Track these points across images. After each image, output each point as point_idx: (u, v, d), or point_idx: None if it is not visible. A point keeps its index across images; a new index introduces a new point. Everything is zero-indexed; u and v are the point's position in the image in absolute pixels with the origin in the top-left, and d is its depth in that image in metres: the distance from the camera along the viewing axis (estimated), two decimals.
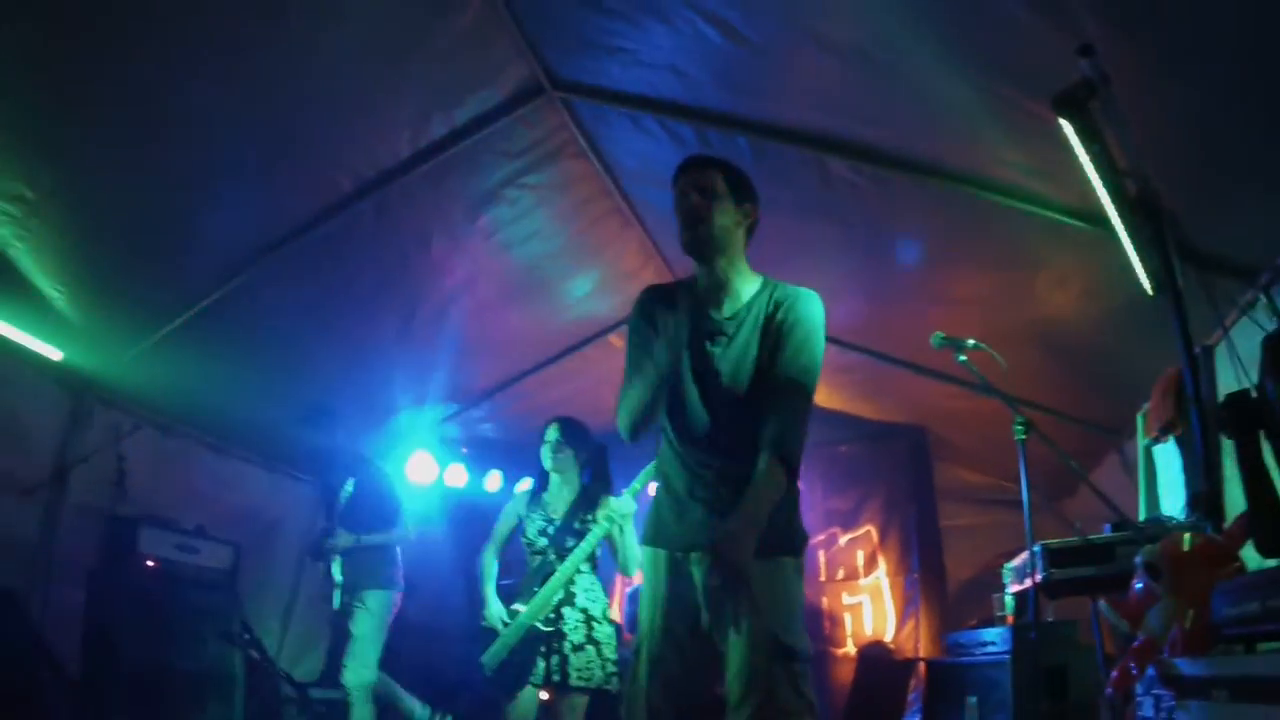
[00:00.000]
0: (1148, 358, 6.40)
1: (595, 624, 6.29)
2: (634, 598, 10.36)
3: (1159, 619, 3.78)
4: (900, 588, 10.56)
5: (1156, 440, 6.79)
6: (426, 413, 10.18)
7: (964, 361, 5.47)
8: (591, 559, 6.42)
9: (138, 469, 7.81)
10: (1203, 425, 4.78)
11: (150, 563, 7.49)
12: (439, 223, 7.47)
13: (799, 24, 5.36)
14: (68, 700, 6.41)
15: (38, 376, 7.09)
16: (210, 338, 7.32)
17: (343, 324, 8.11)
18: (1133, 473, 7.54)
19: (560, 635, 6.21)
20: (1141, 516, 6.75)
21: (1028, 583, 5.85)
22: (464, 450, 11.13)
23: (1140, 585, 4.03)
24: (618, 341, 9.24)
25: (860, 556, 10.92)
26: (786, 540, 3.68)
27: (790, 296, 3.85)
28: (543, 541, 6.42)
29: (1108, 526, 5.67)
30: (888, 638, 10.46)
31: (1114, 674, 4.14)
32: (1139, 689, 3.94)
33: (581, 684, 6.12)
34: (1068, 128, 4.19)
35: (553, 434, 6.61)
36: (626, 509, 6.24)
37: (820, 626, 10.68)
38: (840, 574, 10.96)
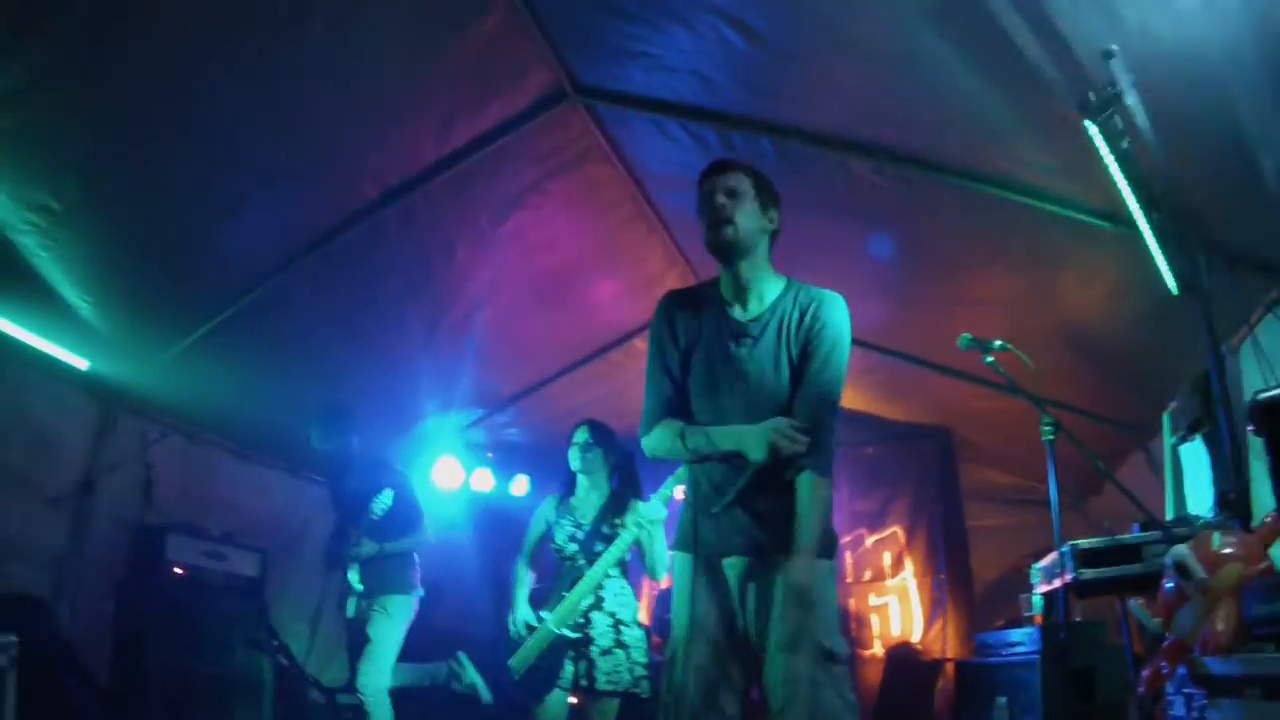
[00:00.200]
0: (1173, 356, 6.39)
1: (624, 628, 6.27)
2: (663, 601, 10.37)
3: (1189, 618, 3.78)
4: (927, 588, 10.55)
5: (1183, 439, 6.77)
6: (452, 418, 10.19)
7: (991, 363, 5.46)
8: (621, 564, 6.40)
9: (165, 477, 7.84)
10: (1230, 423, 4.77)
11: (178, 570, 7.53)
12: (464, 229, 7.47)
13: (822, 26, 5.37)
14: (97, 707, 6.45)
15: (65, 386, 7.12)
16: (237, 345, 7.34)
17: (369, 330, 8.12)
18: (1159, 471, 7.53)
19: (588, 640, 6.19)
20: (1169, 515, 6.73)
21: (1057, 583, 5.83)
22: (490, 455, 11.14)
23: (1171, 585, 4.03)
24: (643, 345, 9.23)
25: (887, 558, 10.93)
26: (821, 544, 3.68)
27: (816, 299, 3.85)
28: (572, 547, 6.40)
29: (1136, 526, 5.66)
30: (915, 639, 10.45)
31: (1145, 673, 4.13)
32: (1170, 688, 3.94)
33: (610, 688, 6.10)
34: (1094, 131, 4.19)
35: (581, 435, 6.59)
36: (656, 515, 6.22)
37: (847, 628, 10.64)
38: (867, 575, 10.97)
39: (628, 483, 6.57)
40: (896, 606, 10.72)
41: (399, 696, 7.41)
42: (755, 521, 3.70)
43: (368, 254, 7.18)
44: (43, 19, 4.79)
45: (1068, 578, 5.56)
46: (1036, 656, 6.67)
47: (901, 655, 10.25)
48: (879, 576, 10.89)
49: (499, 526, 10.88)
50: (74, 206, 5.84)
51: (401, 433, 9.73)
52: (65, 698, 6.16)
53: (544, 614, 6.31)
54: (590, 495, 6.57)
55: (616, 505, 6.45)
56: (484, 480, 10.98)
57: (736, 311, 3.91)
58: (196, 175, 6.03)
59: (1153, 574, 4.60)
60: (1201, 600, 3.74)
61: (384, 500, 7.31)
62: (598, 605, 6.27)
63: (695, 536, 3.85)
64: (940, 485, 10.81)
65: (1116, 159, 4.37)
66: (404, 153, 6.62)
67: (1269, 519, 4.01)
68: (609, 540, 6.28)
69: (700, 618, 3.75)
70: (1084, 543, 5.54)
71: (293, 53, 5.50)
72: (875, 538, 11.00)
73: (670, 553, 4.08)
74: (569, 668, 6.15)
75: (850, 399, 9.86)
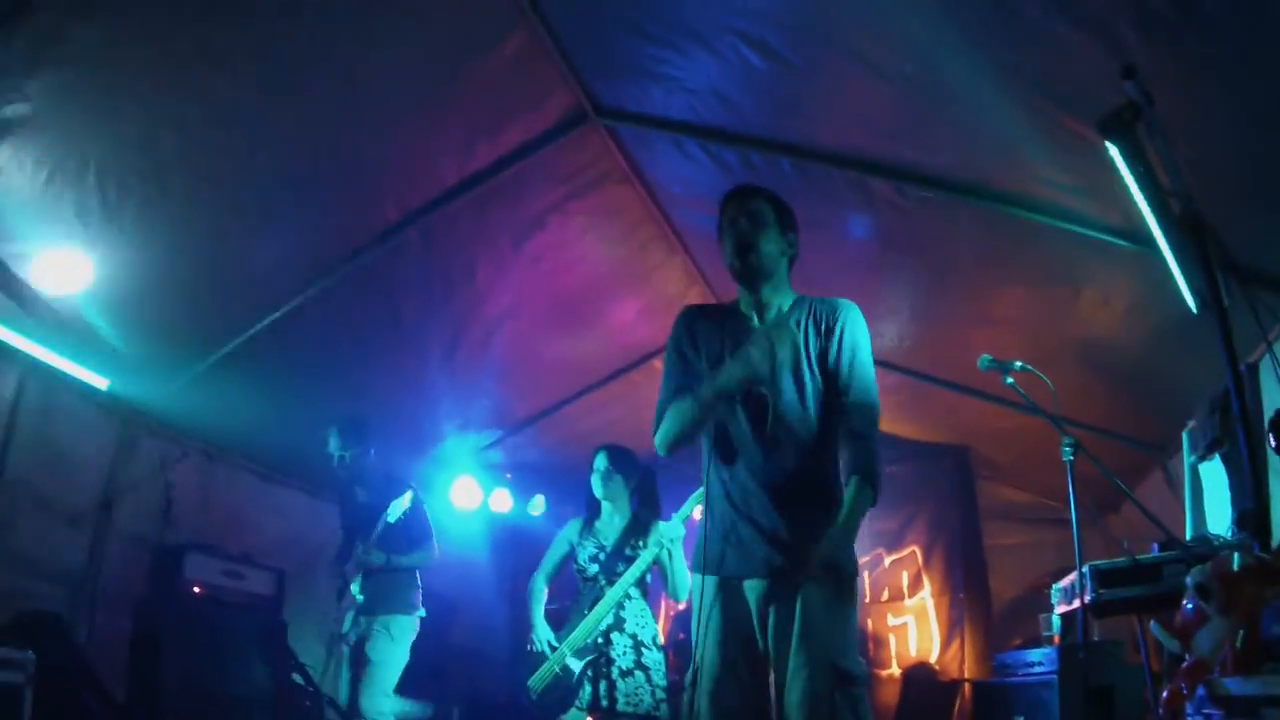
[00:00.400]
0: (1192, 375, 6.37)
1: (644, 650, 6.27)
2: (681, 622, 10.35)
3: (1209, 639, 3.77)
4: (945, 608, 10.49)
5: (1203, 458, 6.75)
6: (471, 439, 10.21)
7: (1011, 384, 5.46)
8: (642, 584, 6.41)
9: (184, 496, 7.90)
10: (1249, 442, 4.77)
11: (196, 589, 7.57)
12: (484, 250, 7.52)
13: (841, 47, 5.39)
14: None
15: (85, 405, 7.17)
16: (257, 366, 7.40)
17: (388, 351, 8.16)
18: (1177, 489, 7.50)
19: (609, 660, 6.19)
20: (1188, 535, 6.71)
21: (1076, 603, 5.82)
22: (508, 475, 11.15)
23: (1190, 606, 4.02)
24: (662, 366, 9.23)
25: (905, 577, 10.87)
26: (843, 565, 3.71)
27: (829, 304, 3.98)
28: (594, 568, 6.42)
29: (1155, 546, 5.64)
30: (933, 659, 10.39)
31: (1164, 694, 4.13)
32: (1189, 709, 3.93)
33: (630, 709, 6.09)
34: (1114, 151, 4.18)
35: (601, 462, 6.61)
36: (676, 534, 6.25)
37: (865, 648, 10.58)
38: (885, 595, 10.92)
39: (648, 504, 6.59)
40: (914, 626, 10.65)
41: None
42: (775, 544, 3.72)
43: (388, 275, 7.23)
44: (60, 41, 4.83)
45: (1087, 598, 5.55)
46: (1055, 676, 6.63)
47: (919, 675, 10.20)
48: (897, 596, 10.84)
49: (517, 547, 10.92)
50: (95, 227, 5.88)
51: (421, 453, 9.76)
52: (82, 715, 6.18)
53: (560, 638, 6.32)
54: (613, 519, 6.61)
55: (639, 527, 6.48)
56: (502, 501, 11.00)
57: (755, 322, 3.99)
58: (219, 196, 6.09)
59: (1172, 594, 4.59)
60: (1221, 621, 3.73)
61: (400, 504, 7.23)
62: (618, 626, 6.28)
63: (716, 559, 3.87)
64: (958, 504, 10.74)
65: (1136, 178, 4.37)
66: (425, 174, 6.67)
67: None
68: (630, 561, 6.30)
69: (720, 640, 3.77)
70: (1104, 563, 5.54)
71: (316, 76, 5.55)
72: (893, 557, 10.95)
73: (690, 574, 4.10)
74: (588, 688, 6.15)
75: None
